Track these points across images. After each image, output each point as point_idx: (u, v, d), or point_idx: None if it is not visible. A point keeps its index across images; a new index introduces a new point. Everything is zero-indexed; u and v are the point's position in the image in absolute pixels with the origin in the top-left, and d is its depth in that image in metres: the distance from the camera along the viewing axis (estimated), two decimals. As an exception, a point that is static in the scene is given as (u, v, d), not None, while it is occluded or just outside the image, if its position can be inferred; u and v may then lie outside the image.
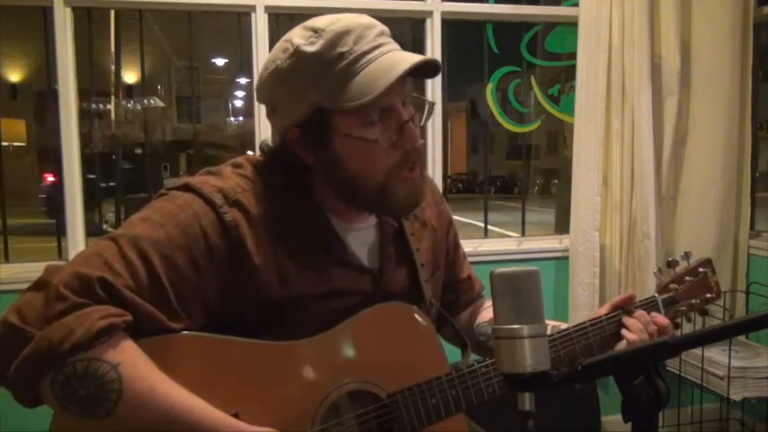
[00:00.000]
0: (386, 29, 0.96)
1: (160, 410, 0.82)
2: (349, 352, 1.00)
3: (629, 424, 0.67)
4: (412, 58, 0.91)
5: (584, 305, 2.50)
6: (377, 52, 0.92)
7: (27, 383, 0.79)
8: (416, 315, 1.06)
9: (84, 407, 0.80)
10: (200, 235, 0.90)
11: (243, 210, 0.94)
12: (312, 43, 0.91)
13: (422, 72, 0.95)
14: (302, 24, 0.95)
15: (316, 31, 0.92)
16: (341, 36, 0.90)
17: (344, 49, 0.90)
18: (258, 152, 1.06)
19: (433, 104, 1.03)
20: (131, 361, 0.82)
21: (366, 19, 0.95)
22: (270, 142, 1.03)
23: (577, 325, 1.12)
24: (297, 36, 0.93)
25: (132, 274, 0.85)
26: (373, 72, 0.90)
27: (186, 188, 0.94)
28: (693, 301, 1.20)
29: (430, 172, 2.57)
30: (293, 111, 0.94)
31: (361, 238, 1.06)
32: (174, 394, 0.83)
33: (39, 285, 0.83)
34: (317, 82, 0.91)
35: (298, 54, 0.91)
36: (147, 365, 0.83)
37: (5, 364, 0.79)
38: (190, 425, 0.83)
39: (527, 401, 0.69)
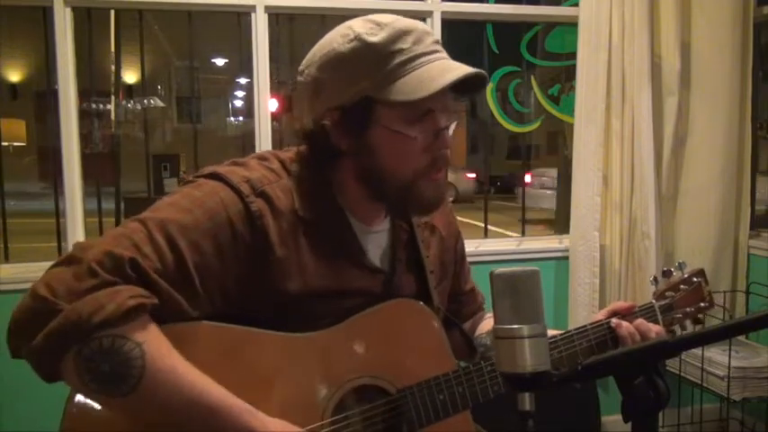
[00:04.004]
0: (439, 39, 1.00)
1: (181, 391, 0.83)
2: (360, 347, 1.01)
3: (629, 424, 0.67)
4: (466, 68, 0.95)
5: (584, 305, 2.50)
6: (432, 56, 0.95)
7: (52, 355, 0.80)
8: (424, 312, 1.07)
9: (105, 383, 0.80)
10: (227, 222, 0.91)
11: (268, 201, 0.95)
12: (374, 34, 0.94)
13: (468, 88, 0.98)
14: (362, 17, 0.98)
15: (378, 24, 0.95)
16: (402, 33, 0.94)
17: (404, 46, 0.93)
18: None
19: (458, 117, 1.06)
20: (155, 341, 0.83)
21: (424, 25, 0.99)
22: (302, 125, 1.04)
23: (578, 328, 1.14)
24: (358, 26, 0.96)
25: (160, 257, 0.86)
26: (427, 73, 0.93)
27: (214, 176, 0.96)
28: (688, 309, 1.24)
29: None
30: (341, 94, 0.96)
31: (377, 240, 1.08)
32: (195, 376, 0.84)
33: (69, 260, 0.84)
34: (371, 71, 0.93)
35: (359, 41, 0.94)
36: (168, 347, 0.85)
37: (31, 335, 0.79)
38: (207, 407, 0.84)
39: (527, 401, 0.69)
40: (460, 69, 0.94)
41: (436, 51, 0.97)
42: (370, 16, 0.97)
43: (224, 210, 0.92)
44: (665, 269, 1.26)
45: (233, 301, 0.94)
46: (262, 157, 1.03)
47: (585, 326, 1.15)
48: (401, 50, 0.93)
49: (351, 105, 0.95)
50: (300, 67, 1.01)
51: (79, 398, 0.87)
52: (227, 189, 0.94)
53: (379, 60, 0.93)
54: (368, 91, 0.94)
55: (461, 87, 0.96)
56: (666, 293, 1.24)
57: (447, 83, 0.91)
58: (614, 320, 1.14)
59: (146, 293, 0.83)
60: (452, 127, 1.02)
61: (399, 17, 0.97)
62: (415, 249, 1.12)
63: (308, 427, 0.94)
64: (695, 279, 1.25)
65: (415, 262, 1.12)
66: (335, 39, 0.97)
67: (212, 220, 0.91)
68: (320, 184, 1.02)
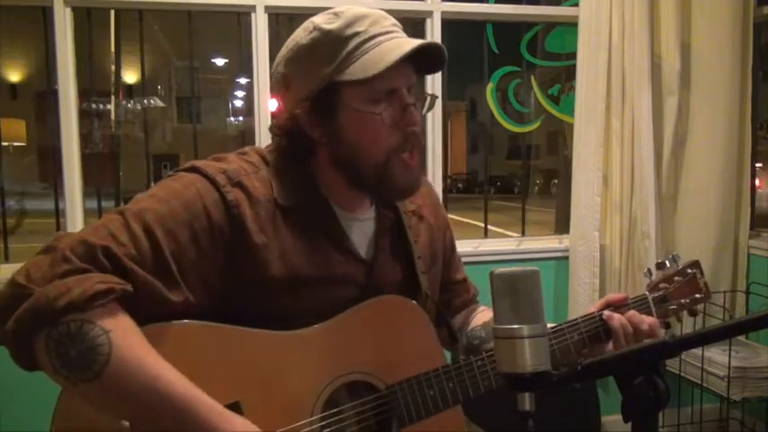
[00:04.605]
0: (399, 23, 1.04)
1: (145, 382, 0.83)
2: (348, 343, 1.01)
3: (629, 424, 0.67)
4: (420, 41, 0.98)
5: (584, 305, 2.49)
6: (389, 35, 0.99)
7: (23, 338, 0.81)
8: (413, 308, 1.08)
9: (72, 368, 0.81)
10: (203, 212, 0.93)
11: (245, 191, 0.97)
12: (331, 22, 0.98)
13: (427, 64, 1.01)
14: (325, 11, 1.02)
15: (336, 13, 0.99)
16: (358, 18, 0.98)
17: (360, 29, 0.97)
18: (266, 138, 1.09)
19: (435, 97, 1.08)
20: (123, 330, 0.84)
21: (382, 11, 1.03)
22: (276, 119, 1.07)
23: (570, 321, 1.14)
24: (319, 17, 1.01)
25: (135, 244, 0.88)
26: (384, 49, 0.96)
27: (192, 169, 0.99)
28: (683, 300, 1.22)
29: (430, 172, 2.57)
30: (307, 84, 0.99)
31: (362, 228, 1.09)
32: (162, 369, 0.85)
33: (47, 249, 0.86)
34: (331, 57, 0.97)
35: (317, 31, 0.98)
36: (138, 338, 0.85)
37: (5, 320, 0.81)
38: (171, 401, 0.84)
39: (527, 401, 0.69)
40: (414, 42, 0.96)
41: (393, 32, 1.00)
42: (331, 9, 1.01)
43: (200, 200, 0.94)
44: (659, 261, 1.24)
45: (217, 294, 0.95)
46: (241, 152, 1.06)
47: (577, 319, 1.14)
48: (357, 33, 0.97)
49: (317, 93, 0.98)
50: (274, 65, 1.06)
51: (69, 398, 0.87)
52: (203, 180, 0.96)
53: (337, 45, 0.97)
54: (330, 76, 0.97)
55: (424, 63, 1.01)
56: (660, 285, 1.22)
57: (398, 57, 0.94)
58: (606, 312, 1.14)
59: (117, 280, 0.84)
60: (426, 106, 1.06)
61: (358, 6, 1.01)
62: (402, 236, 1.13)
63: (290, 427, 0.94)
64: (690, 270, 1.24)
65: (402, 249, 1.13)
66: (298, 34, 1.01)
67: (189, 210, 0.93)
68: (301, 174, 1.04)
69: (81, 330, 0.81)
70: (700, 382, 2.41)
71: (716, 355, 2.39)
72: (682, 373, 2.49)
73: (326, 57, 0.97)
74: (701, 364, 2.39)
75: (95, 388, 0.82)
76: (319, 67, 0.97)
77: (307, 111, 0.99)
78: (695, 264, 1.25)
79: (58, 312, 0.80)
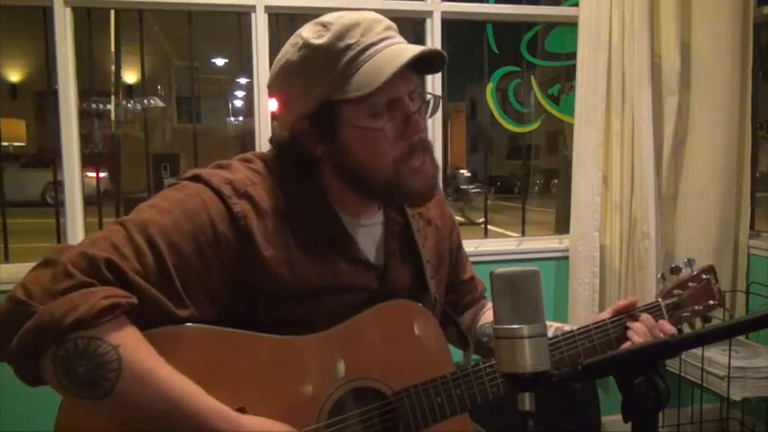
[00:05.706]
0: (393, 24, 0.98)
1: (158, 396, 0.82)
2: (355, 349, 1.00)
3: (629, 424, 0.67)
4: (416, 48, 0.93)
5: (584, 305, 2.50)
6: (383, 44, 0.94)
7: (28, 357, 0.79)
8: (422, 313, 1.07)
9: (81, 385, 0.80)
10: (208, 224, 0.91)
11: (252, 202, 0.95)
12: (320, 36, 0.93)
13: (427, 65, 0.97)
14: (313, 21, 0.97)
15: (324, 25, 0.94)
16: (348, 28, 0.92)
17: (352, 41, 0.92)
18: (265, 147, 1.07)
19: (439, 98, 1.05)
20: (132, 344, 0.82)
21: (374, 14, 0.97)
22: (277, 137, 1.04)
23: (582, 328, 1.13)
24: (306, 31, 0.96)
25: (139, 257, 0.85)
26: (379, 62, 0.92)
27: (196, 179, 0.96)
28: (696, 307, 1.20)
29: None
30: (303, 103, 0.96)
31: (369, 233, 1.07)
32: (174, 381, 0.84)
33: (46, 263, 0.83)
34: (324, 73, 0.93)
35: (306, 47, 0.93)
36: (147, 350, 0.84)
37: (9, 338, 0.79)
38: (187, 412, 0.83)
39: (527, 401, 0.69)
40: (411, 50, 0.92)
41: (388, 38, 0.95)
42: (320, 18, 0.96)
43: (205, 211, 0.91)
44: (674, 266, 1.22)
45: (223, 304, 0.93)
46: (245, 159, 1.03)
47: (589, 325, 1.13)
48: (349, 46, 0.92)
49: (315, 112, 0.95)
50: (267, 83, 1.02)
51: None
52: (208, 191, 0.93)
53: (329, 61, 0.92)
54: (326, 94, 0.93)
55: (423, 66, 0.95)
56: (674, 291, 1.20)
57: (394, 70, 0.90)
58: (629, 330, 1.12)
59: (123, 293, 0.82)
60: (429, 111, 1.02)
61: (349, 12, 0.95)
62: (410, 240, 1.12)
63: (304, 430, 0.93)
64: (704, 276, 1.22)
65: (410, 253, 1.11)
66: (288, 49, 0.96)
67: (193, 222, 0.90)
68: (306, 185, 1.01)
69: (89, 347, 0.79)
70: (700, 382, 2.40)
71: (716, 355, 2.38)
72: (682, 373, 2.49)
73: (318, 75, 0.93)
74: (701, 364, 2.38)
75: (108, 404, 0.81)
76: (313, 86, 0.94)
77: (306, 129, 0.97)
78: (710, 269, 1.23)
79: (65, 330, 0.78)
